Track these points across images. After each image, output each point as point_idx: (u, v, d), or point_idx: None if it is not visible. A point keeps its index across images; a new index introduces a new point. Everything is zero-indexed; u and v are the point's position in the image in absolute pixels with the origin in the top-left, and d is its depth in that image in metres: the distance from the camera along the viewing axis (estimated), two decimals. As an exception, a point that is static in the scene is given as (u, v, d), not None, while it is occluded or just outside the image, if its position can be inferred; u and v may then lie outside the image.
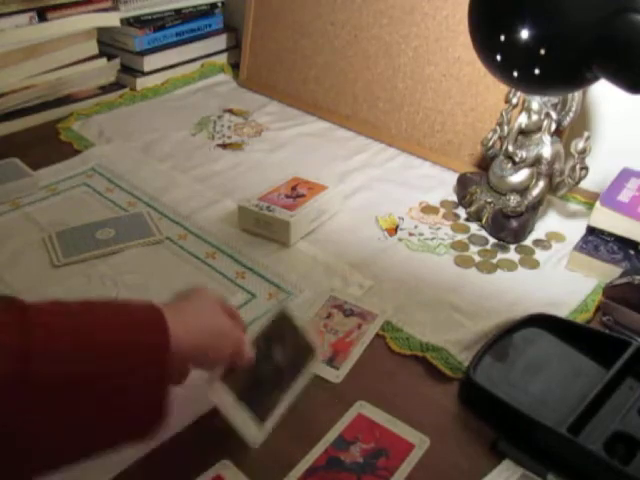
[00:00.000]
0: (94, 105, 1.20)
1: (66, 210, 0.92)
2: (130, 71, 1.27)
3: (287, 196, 0.88)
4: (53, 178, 0.99)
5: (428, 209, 0.93)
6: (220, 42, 1.38)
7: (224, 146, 1.09)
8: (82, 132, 1.12)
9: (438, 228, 0.89)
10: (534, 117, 0.86)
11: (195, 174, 1.01)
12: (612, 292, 0.73)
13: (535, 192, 0.86)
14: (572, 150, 0.83)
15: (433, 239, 0.87)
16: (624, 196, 0.82)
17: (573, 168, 0.84)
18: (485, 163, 0.95)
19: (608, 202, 0.81)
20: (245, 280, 0.79)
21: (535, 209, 0.88)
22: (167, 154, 1.06)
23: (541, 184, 0.87)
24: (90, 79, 1.24)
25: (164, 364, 0.47)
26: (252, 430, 0.57)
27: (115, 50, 1.28)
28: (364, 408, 0.63)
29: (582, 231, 0.84)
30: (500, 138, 0.90)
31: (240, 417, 0.56)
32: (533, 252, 0.85)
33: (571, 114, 0.87)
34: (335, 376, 0.67)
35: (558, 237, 0.88)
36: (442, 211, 0.93)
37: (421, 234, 0.88)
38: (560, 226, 0.90)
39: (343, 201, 0.93)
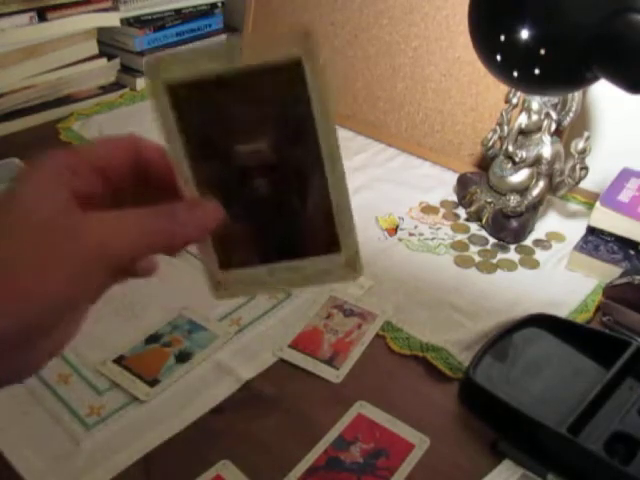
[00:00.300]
0: (94, 105, 1.20)
1: (66, 210, 0.92)
2: (130, 71, 1.27)
3: (287, 196, 0.87)
4: (53, 178, 0.98)
5: (428, 209, 0.93)
6: (220, 42, 1.38)
7: (224, 146, 1.09)
8: (82, 132, 1.12)
9: (438, 228, 0.89)
10: (534, 117, 0.86)
11: (195, 174, 1.00)
12: (612, 292, 0.73)
13: (535, 192, 0.86)
14: (572, 150, 0.83)
15: (433, 239, 0.87)
16: (624, 196, 0.82)
17: (573, 168, 0.84)
18: (485, 163, 0.95)
19: (608, 202, 0.81)
20: (245, 280, 0.79)
21: (535, 209, 0.88)
22: (167, 154, 1.06)
23: (541, 184, 0.87)
24: (90, 79, 1.24)
25: None
26: (318, 266, 0.35)
27: (115, 50, 1.28)
28: (364, 408, 0.63)
29: (582, 231, 0.84)
30: (500, 138, 0.90)
31: (303, 272, 0.34)
32: (533, 252, 0.85)
33: (571, 114, 0.87)
34: (335, 376, 0.67)
35: (558, 237, 0.88)
36: (442, 211, 0.93)
37: (421, 234, 0.88)
38: (560, 226, 0.90)
39: (343, 201, 0.93)
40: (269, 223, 0.34)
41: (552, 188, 0.88)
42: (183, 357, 0.67)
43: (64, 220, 0.29)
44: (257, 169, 0.32)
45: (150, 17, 1.26)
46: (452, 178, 0.97)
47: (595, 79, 0.72)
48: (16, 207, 0.29)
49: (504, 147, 0.88)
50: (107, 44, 1.28)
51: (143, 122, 1.15)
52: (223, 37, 1.38)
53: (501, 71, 0.77)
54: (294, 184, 0.33)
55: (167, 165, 0.33)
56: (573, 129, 0.91)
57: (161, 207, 0.31)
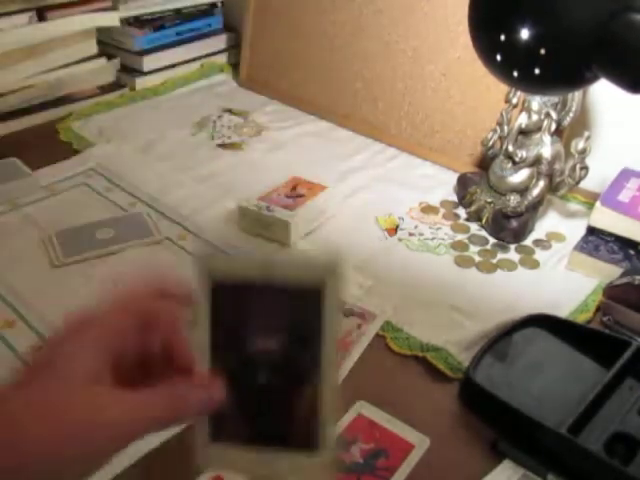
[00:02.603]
0: (94, 105, 1.20)
1: (66, 210, 0.92)
2: (130, 71, 1.27)
3: (287, 196, 0.88)
4: (53, 178, 0.98)
5: (428, 209, 0.93)
6: (220, 42, 1.37)
7: (224, 146, 1.09)
8: (82, 132, 1.12)
9: (438, 228, 0.89)
10: (534, 117, 0.86)
11: (195, 174, 1.00)
12: (612, 292, 0.73)
13: (535, 192, 0.86)
14: (572, 150, 0.83)
15: (433, 239, 0.87)
16: (624, 196, 0.82)
17: (573, 168, 0.84)
18: (485, 163, 0.95)
19: (608, 202, 0.81)
20: (245, 280, 0.79)
21: (535, 209, 0.88)
22: (167, 154, 1.06)
23: (541, 184, 0.87)
24: (89, 79, 1.23)
25: None
26: (311, 461, 0.37)
27: (114, 50, 1.28)
28: (364, 408, 0.63)
29: (582, 231, 0.84)
30: (500, 138, 0.90)
31: (277, 463, 0.37)
32: (533, 252, 0.85)
33: (571, 114, 0.87)
34: (335, 376, 0.67)
35: (558, 237, 0.88)
36: (442, 211, 0.93)
37: (421, 234, 0.88)
38: (560, 226, 0.90)
39: (343, 201, 0.93)
40: (262, 411, 0.38)
41: (552, 188, 0.88)
42: (183, 357, 0.67)
43: (90, 397, 0.33)
44: (264, 363, 0.37)
45: (150, 17, 1.26)
46: (452, 178, 0.97)
47: (595, 79, 0.72)
48: (53, 367, 0.34)
49: (504, 147, 0.88)
50: (106, 44, 1.27)
51: (142, 122, 1.15)
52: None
53: (501, 71, 0.77)
54: (292, 383, 0.38)
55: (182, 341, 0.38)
56: (573, 129, 0.91)
57: (174, 391, 0.36)
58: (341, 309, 0.40)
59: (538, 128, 0.86)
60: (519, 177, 0.87)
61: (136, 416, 0.34)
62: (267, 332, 0.37)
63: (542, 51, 0.70)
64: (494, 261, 0.83)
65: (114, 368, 0.35)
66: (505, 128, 0.89)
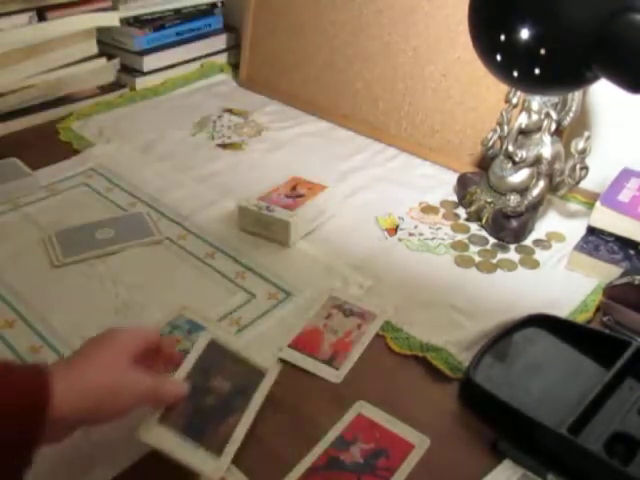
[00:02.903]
0: (94, 105, 1.20)
1: (66, 210, 0.92)
2: (130, 71, 1.27)
3: (287, 196, 0.88)
4: (53, 178, 0.98)
5: (428, 209, 0.93)
6: (220, 42, 1.37)
7: (224, 146, 1.09)
8: (82, 132, 1.12)
9: (438, 228, 0.89)
10: (534, 117, 0.86)
11: (195, 174, 1.01)
12: (612, 292, 0.73)
13: (535, 192, 0.86)
14: (572, 150, 0.83)
15: (433, 239, 0.87)
16: (624, 196, 0.82)
17: (573, 168, 0.84)
18: (485, 163, 0.95)
19: (608, 202, 0.81)
20: (245, 280, 0.79)
21: (535, 209, 0.88)
22: (167, 154, 1.06)
23: (541, 184, 0.87)
24: (90, 79, 1.23)
25: (37, 427, 0.46)
26: (209, 464, 0.55)
27: (115, 50, 1.28)
28: (364, 408, 0.63)
29: (582, 231, 0.84)
30: (500, 138, 0.90)
31: (190, 453, 0.55)
32: (533, 252, 0.85)
33: (571, 114, 0.87)
34: (335, 376, 0.67)
35: (558, 237, 0.88)
36: (442, 211, 0.93)
37: (421, 234, 0.88)
38: (560, 226, 0.90)
39: (343, 201, 0.93)
40: (200, 416, 0.57)
41: (552, 188, 0.88)
42: (183, 357, 0.68)
43: (125, 376, 0.54)
44: (215, 393, 0.59)
45: (150, 17, 1.26)
46: (452, 178, 0.97)
47: (595, 79, 0.72)
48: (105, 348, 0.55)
49: (504, 147, 0.88)
50: (106, 44, 1.28)
51: (142, 122, 1.16)
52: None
53: (501, 71, 0.77)
54: (225, 409, 0.58)
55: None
56: (573, 129, 0.91)
57: (159, 378, 0.57)
58: (264, 394, 0.60)
59: (538, 128, 0.86)
60: (519, 177, 0.87)
61: (136, 385, 0.54)
62: (225, 377, 0.60)
63: (542, 51, 0.70)
64: (494, 261, 0.83)
65: (129, 357, 0.55)
66: (505, 128, 0.89)
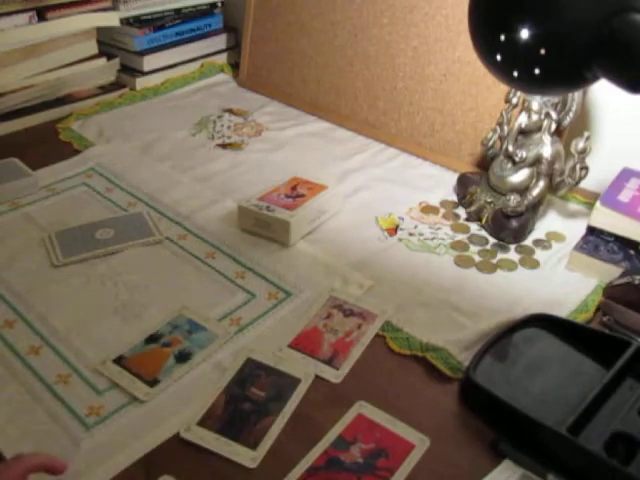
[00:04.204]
0: (94, 105, 1.20)
1: (66, 210, 0.92)
2: (130, 71, 1.27)
3: (287, 196, 0.88)
4: (53, 178, 0.98)
5: (428, 209, 0.93)
6: (220, 42, 1.37)
7: (224, 146, 1.09)
8: (82, 132, 1.12)
9: (438, 228, 0.89)
10: (534, 117, 0.86)
11: (195, 174, 1.01)
12: (612, 292, 0.73)
13: (535, 192, 0.86)
14: (572, 150, 0.83)
15: (433, 239, 0.87)
16: (624, 196, 0.82)
17: (573, 168, 0.84)
18: (485, 163, 0.95)
19: (608, 202, 0.81)
20: (245, 280, 0.79)
21: (535, 209, 0.88)
22: (167, 154, 1.06)
23: (541, 184, 0.87)
24: (90, 79, 1.24)
25: None
26: (245, 454, 0.58)
27: (115, 50, 1.28)
28: (364, 408, 0.63)
29: (582, 231, 0.84)
30: (500, 138, 0.90)
31: (227, 447, 0.59)
32: (533, 252, 0.85)
33: (571, 114, 0.87)
34: (335, 376, 0.67)
35: (558, 237, 0.88)
36: (442, 211, 0.93)
37: (421, 234, 0.88)
38: (560, 226, 0.90)
39: (343, 201, 0.93)
40: (238, 419, 0.62)
41: (552, 188, 0.88)
42: (183, 357, 0.67)
43: None
44: (253, 399, 0.64)
45: (150, 17, 1.26)
46: (452, 178, 0.97)
47: (595, 79, 0.72)
48: None
49: (504, 147, 0.88)
50: (107, 44, 1.28)
51: (142, 122, 1.15)
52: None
53: (501, 71, 0.77)
54: (262, 412, 0.63)
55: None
56: (573, 129, 0.91)
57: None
58: (299, 399, 0.64)
59: (538, 128, 0.86)
60: (519, 177, 0.87)
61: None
62: (260, 386, 0.65)
63: (542, 51, 0.70)
64: (494, 261, 0.83)
65: None
66: (505, 128, 0.89)
